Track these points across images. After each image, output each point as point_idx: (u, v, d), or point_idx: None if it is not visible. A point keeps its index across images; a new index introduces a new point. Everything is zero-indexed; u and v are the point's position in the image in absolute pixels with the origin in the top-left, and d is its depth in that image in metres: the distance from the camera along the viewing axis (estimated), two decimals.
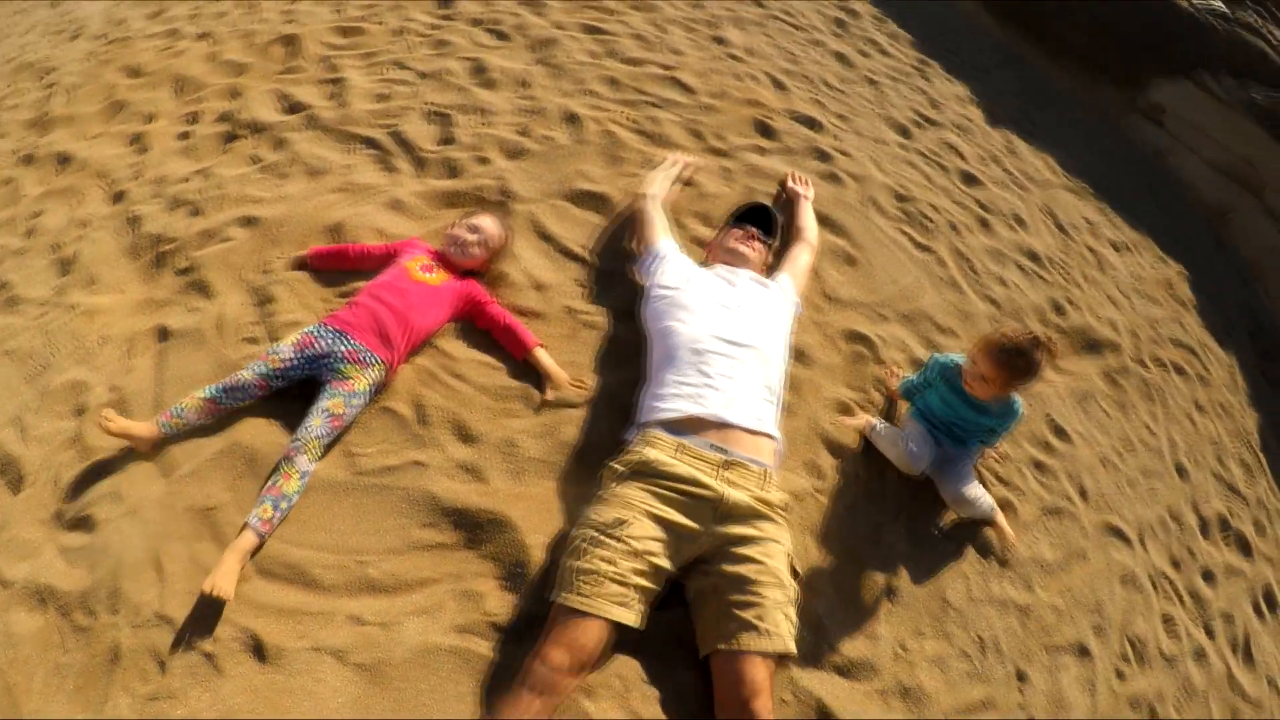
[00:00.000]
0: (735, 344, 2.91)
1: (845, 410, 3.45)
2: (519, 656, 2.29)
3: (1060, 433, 3.99)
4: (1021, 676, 3.16)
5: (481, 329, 3.13)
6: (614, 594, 2.31)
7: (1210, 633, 3.95)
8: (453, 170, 3.78)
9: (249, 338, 2.99)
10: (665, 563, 2.44)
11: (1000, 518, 3.33)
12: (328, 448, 2.63)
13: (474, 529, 2.58)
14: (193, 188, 3.59)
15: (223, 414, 2.65)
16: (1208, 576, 4.12)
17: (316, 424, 2.56)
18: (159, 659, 2.20)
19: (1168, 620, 3.78)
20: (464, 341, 3.09)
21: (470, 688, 2.29)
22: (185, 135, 3.95)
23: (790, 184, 4.12)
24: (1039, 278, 4.71)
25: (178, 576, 2.33)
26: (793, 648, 2.43)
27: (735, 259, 3.41)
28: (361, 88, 4.22)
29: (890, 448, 3.26)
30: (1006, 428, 3.31)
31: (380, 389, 2.81)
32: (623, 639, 2.38)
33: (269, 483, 2.47)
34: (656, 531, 2.46)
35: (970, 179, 5.18)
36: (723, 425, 2.70)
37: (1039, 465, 3.79)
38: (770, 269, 3.57)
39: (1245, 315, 5.96)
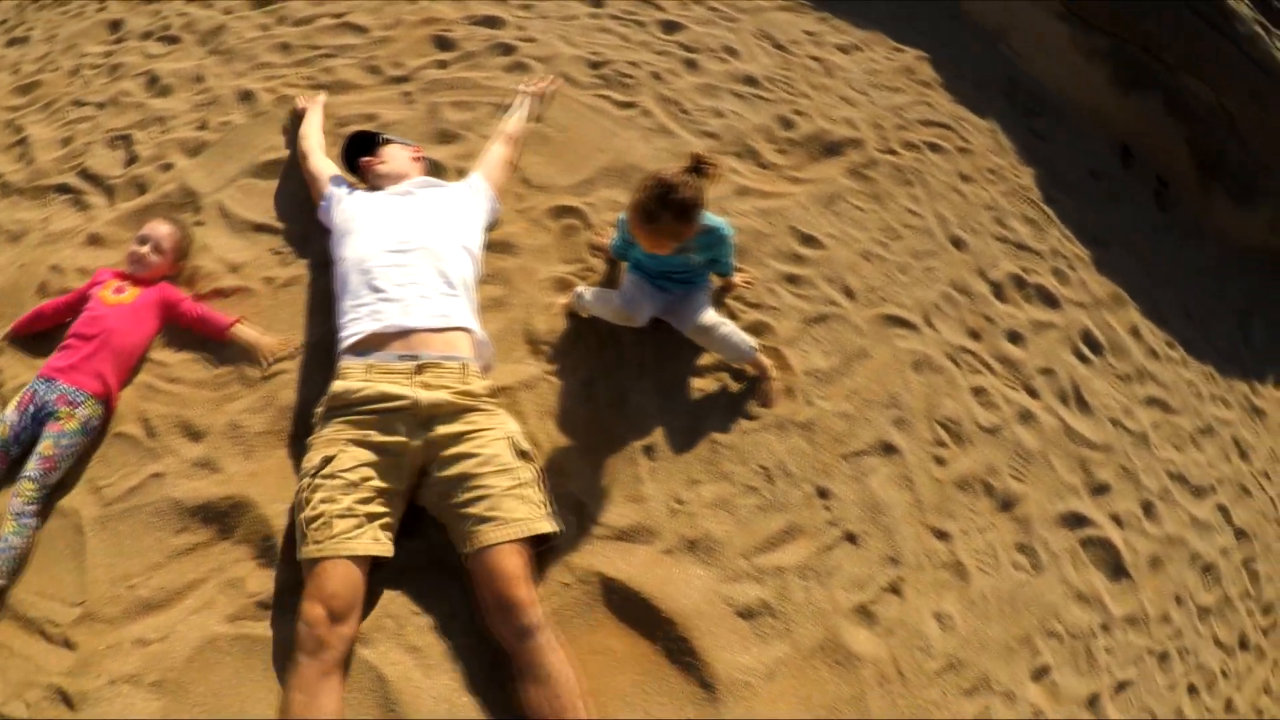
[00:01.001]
0: (402, 251, 2.86)
1: (563, 288, 3.22)
2: (290, 624, 2.27)
3: (809, 240, 3.74)
4: (823, 493, 2.96)
5: (186, 329, 3.09)
6: (344, 530, 2.30)
7: (1032, 392, 3.79)
8: (141, 187, 3.67)
9: None
10: (388, 485, 2.43)
11: (763, 359, 3.06)
12: (48, 488, 2.61)
13: (221, 519, 2.59)
14: None
15: None
16: (1015, 338, 3.93)
17: (31, 466, 2.57)
18: None
19: (979, 392, 3.59)
20: (172, 347, 3.05)
21: (259, 668, 2.28)
22: None
23: (521, 88, 3.96)
24: (759, 99, 4.44)
25: None
26: (543, 528, 2.42)
27: (389, 179, 3.29)
28: (45, 139, 4.11)
29: (603, 308, 3.00)
30: (723, 254, 3.03)
31: (101, 422, 2.80)
32: (383, 577, 2.40)
33: None
34: (366, 457, 2.44)
35: (671, 26, 4.88)
36: (406, 333, 2.67)
37: (792, 279, 3.53)
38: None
39: (998, 79, 5.76)
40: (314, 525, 2.32)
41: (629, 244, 2.99)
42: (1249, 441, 4.83)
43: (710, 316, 2.96)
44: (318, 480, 2.40)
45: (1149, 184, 5.91)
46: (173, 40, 4.64)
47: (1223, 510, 4.21)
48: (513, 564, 2.29)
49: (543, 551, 2.48)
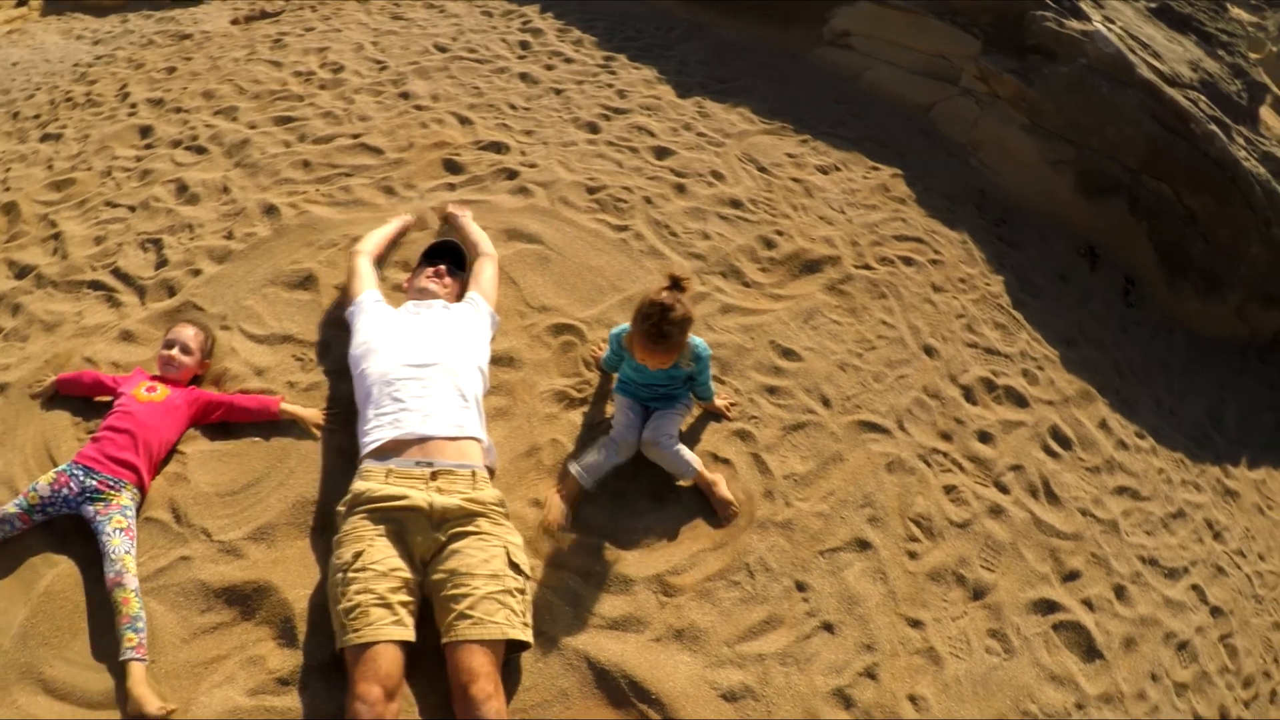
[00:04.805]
0: (421, 366, 3.17)
1: (560, 400, 3.58)
2: (306, 701, 2.51)
3: (788, 354, 4.07)
4: (801, 586, 3.20)
5: (223, 420, 3.31)
6: (383, 617, 2.50)
7: (1002, 488, 4.02)
8: (171, 289, 3.96)
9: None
10: (411, 575, 2.65)
11: (706, 475, 3.35)
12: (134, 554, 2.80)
13: (244, 601, 2.77)
14: None
15: None
16: (985, 438, 4.20)
17: (116, 543, 2.75)
18: None
19: (950, 490, 3.84)
20: (200, 443, 3.24)
21: None
22: None
23: (448, 210, 4.32)
24: (743, 221, 4.83)
25: None
26: (515, 634, 2.60)
27: (424, 295, 3.64)
28: (79, 236, 4.45)
29: (602, 458, 3.27)
30: (703, 370, 3.37)
31: (139, 504, 2.97)
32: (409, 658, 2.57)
33: (116, 616, 2.61)
34: (392, 550, 2.67)
35: (662, 152, 5.33)
36: (423, 440, 2.95)
37: (771, 390, 3.85)
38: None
39: (968, 191, 6.13)
40: (352, 615, 2.50)
41: (620, 358, 3.36)
42: (1222, 522, 5.00)
43: (666, 436, 3.30)
44: (350, 575, 2.59)
45: (1116, 283, 6.22)
46: (200, 150, 5.11)
47: (1197, 590, 4.36)
48: (479, 661, 2.48)
49: (511, 658, 2.68)
